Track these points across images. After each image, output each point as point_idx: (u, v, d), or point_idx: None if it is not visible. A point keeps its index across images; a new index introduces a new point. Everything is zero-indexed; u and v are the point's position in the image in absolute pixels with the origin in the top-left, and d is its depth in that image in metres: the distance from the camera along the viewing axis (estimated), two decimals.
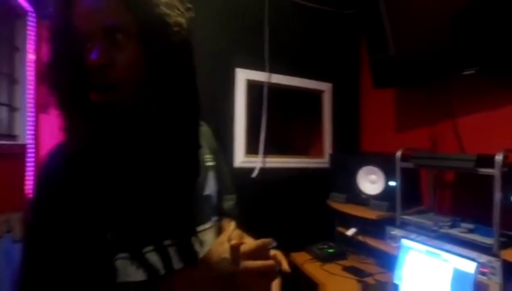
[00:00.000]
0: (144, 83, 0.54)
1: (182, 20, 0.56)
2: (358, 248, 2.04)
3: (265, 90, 2.14)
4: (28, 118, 1.96)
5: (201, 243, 0.66)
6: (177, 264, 0.61)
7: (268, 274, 0.57)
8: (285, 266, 0.66)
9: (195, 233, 0.66)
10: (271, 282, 0.58)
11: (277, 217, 2.13)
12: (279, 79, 2.20)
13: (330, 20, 2.45)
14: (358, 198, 1.99)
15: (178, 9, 0.56)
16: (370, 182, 1.97)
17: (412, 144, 1.97)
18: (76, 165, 0.54)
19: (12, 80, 1.86)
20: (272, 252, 0.61)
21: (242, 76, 2.08)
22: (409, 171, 1.73)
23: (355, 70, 2.58)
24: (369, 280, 1.70)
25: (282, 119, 2.37)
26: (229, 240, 0.56)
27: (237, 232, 0.58)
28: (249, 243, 0.57)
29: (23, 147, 1.93)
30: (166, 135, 0.58)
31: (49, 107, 2.12)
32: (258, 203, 2.04)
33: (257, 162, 2.09)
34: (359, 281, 1.68)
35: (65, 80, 0.53)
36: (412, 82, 1.96)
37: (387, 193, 1.83)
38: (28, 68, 1.91)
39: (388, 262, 1.73)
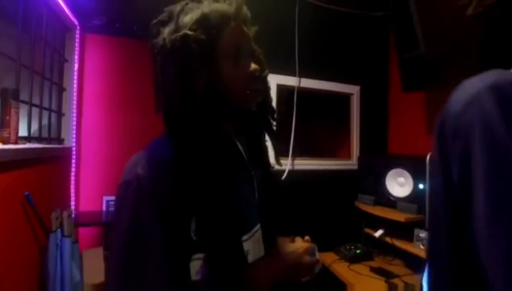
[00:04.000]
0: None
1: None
2: (386, 249, 2.07)
3: (295, 94, 2.21)
4: (73, 123, 2.12)
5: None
6: (251, 257, 0.71)
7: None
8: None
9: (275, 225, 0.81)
10: None
11: (305, 218, 2.19)
12: (308, 83, 2.26)
13: (358, 23, 2.46)
14: (386, 200, 2.01)
15: None
16: (399, 185, 1.99)
17: None
18: (183, 164, 0.58)
19: (61, 88, 2.02)
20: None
21: (273, 81, 2.15)
22: None
23: (384, 72, 2.58)
24: (396, 281, 1.72)
25: (311, 122, 2.42)
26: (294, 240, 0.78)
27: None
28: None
29: (69, 150, 2.11)
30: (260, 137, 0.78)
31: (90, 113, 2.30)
32: (287, 204, 2.11)
33: (286, 165, 2.16)
34: (386, 282, 1.72)
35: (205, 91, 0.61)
36: (442, 83, 1.94)
37: (416, 196, 1.85)
38: (74, 77, 2.07)
39: (416, 263, 1.75)
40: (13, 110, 1.34)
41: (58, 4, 1.77)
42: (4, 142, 1.30)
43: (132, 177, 0.57)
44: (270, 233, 0.80)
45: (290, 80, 2.21)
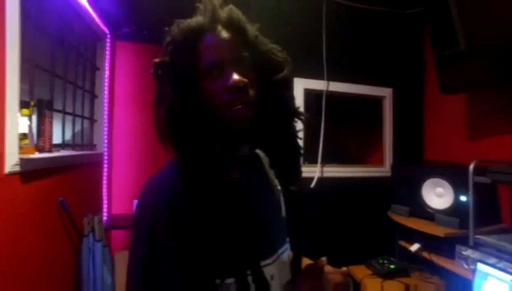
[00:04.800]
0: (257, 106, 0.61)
1: (283, 55, 0.65)
2: (422, 265, 1.93)
3: (324, 98, 2.12)
4: (104, 129, 2.18)
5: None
6: (277, 282, 0.65)
7: None
8: None
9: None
10: None
11: (336, 228, 2.11)
12: (337, 87, 2.17)
13: (390, 22, 2.33)
14: (423, 211, 1.88)
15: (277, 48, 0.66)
16: (437, 195, 1.85)
17: (486, 155, 1.80)
18: (191, 194, 0.56)
19: (93, 96, 2.09)
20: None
21: (300, 86, 2.09)
22: (483, 185, 1.58)
23: (419, 73, 2.42)
24: None
25: (341, 127, 2.33)
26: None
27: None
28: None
29: (101, 155, 2.17)
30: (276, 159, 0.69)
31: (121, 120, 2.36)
32: (317, 214, 2.03)
33: (315, 172, 2.08)
34: None
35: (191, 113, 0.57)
36: (485, 84, 1.77)
37: (457, 208, 1.70)
38: (105, 85, 2.13)
39: (457, 283, 1.61)
40: (47, 120, 1.39)
41: (89, 14, 1.81)
42: (40, 151, 1.35)
43: (148, 200, 0.59)
44: (299, 254, 0.75)
45: (318, 84, 2.12)
